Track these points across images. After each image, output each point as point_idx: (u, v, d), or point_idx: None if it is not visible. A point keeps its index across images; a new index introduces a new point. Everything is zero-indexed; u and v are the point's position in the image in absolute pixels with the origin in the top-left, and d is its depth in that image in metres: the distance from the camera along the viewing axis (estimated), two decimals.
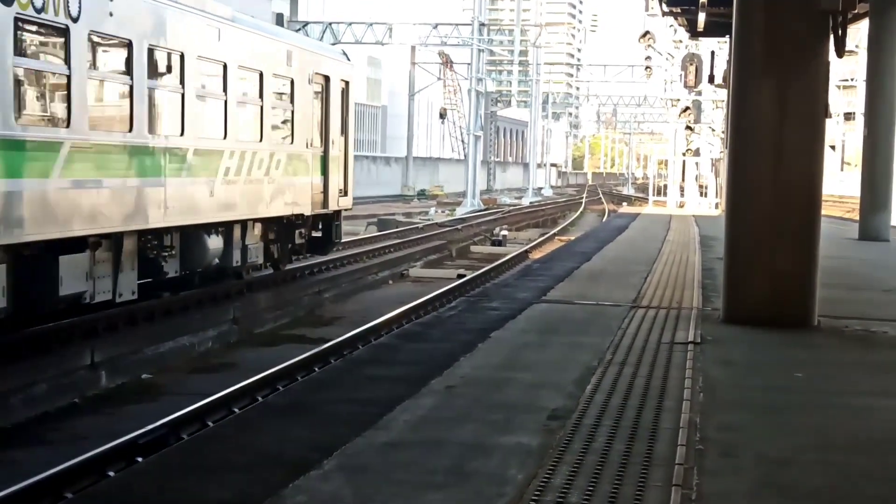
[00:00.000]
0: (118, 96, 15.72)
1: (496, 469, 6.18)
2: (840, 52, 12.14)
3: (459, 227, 43.08)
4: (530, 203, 74.74)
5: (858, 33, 49.56)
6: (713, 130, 51.47)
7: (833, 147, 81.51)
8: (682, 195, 51.83)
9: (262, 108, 20.31)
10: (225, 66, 18.85)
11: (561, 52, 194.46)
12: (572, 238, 34.04)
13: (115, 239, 15.62)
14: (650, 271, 18.03)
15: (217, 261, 19.48)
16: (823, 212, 12.73)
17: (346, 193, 24.99)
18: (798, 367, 9.74)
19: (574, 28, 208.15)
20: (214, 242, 19.03)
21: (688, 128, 51.78)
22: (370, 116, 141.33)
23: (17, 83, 13.02)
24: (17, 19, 12.70)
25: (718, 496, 5.86)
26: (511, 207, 65.87)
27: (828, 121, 12.25)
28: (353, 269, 27.66)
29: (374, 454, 6.48)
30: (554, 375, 8.88)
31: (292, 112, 21.73)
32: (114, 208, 15.27)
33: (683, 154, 52.64)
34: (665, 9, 34.82)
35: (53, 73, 13.90)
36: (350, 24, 63.79)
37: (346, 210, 25.79)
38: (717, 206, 47.18)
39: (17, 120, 12.83)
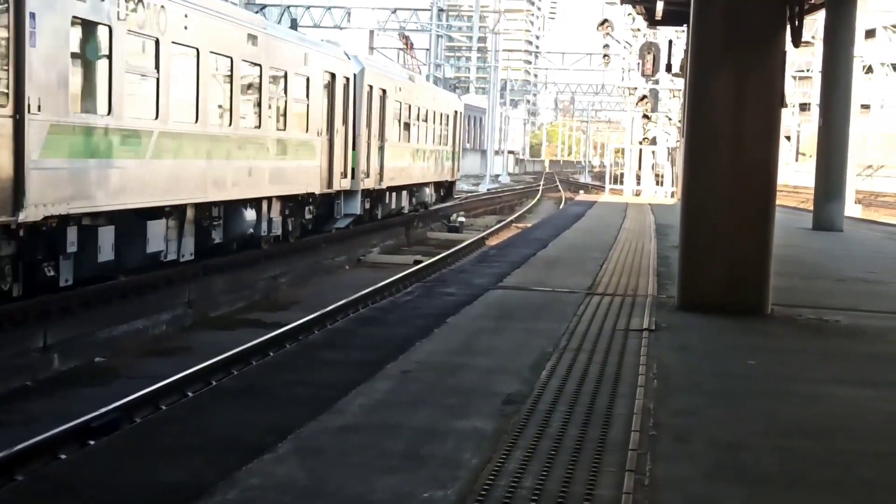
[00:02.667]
0: (410, 128, 36.22)
1: (451, 453, 6.18)
2: (797, 42, 12.22)
3: (416, 212, 42.99)
4: (487, 190, 74.72)
5: (815, 24, 49.90)
6: (670, 119, 51.68)
7: (788, 137, 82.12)
8: (638, 184, 52.03)
9: (442, 130, 42.03)
10: (434, 112, 40.26)
11: (519, 39, 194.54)
12: (529, 225, 34.12)
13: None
14: (606, 258, 18.09)
15: (426, 199, 39.83)
16: (778, 202, 12.81)
17: (459, 170, 47.02)
18: (751, 354, 9.80)
19: (533, 15, 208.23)
20: (427, 192, 40.14)
21: (645, 116, 51.98)
22: None
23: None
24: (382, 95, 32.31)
25: (671, 481, 5.89)
26: (468, 194, 65.77)
27: (783, 111, 12.33)
28: (309, 254, 27.55)
29: (329, 438, 6.46)
30: (510, 361, 8.89)
31: (446, 131, 43.26)
32: (415, 174, 36.88)
33: (640, 143, 52.83)
34: None
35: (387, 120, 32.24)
36: (308, 7, 63.51)
37: (457, 179, 47.52)
38: (672, 194, 47.41)
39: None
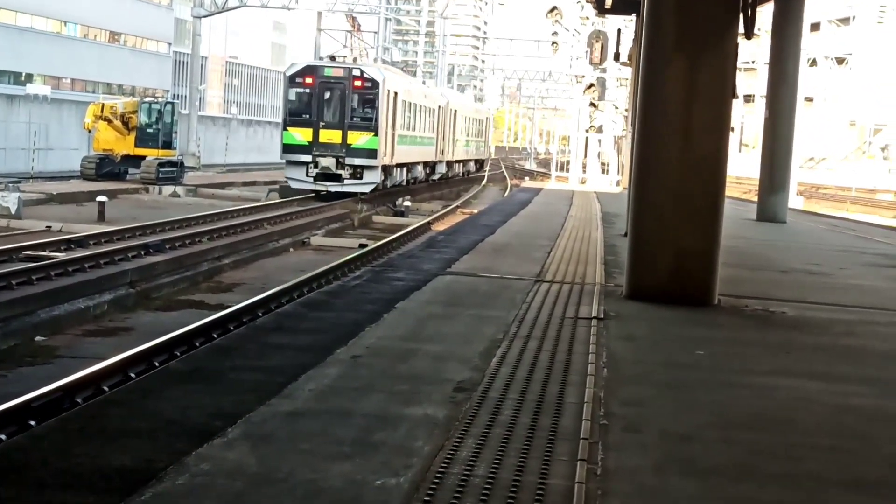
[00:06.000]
0: (467, 128, 65.21)
1: (403, 440, 6.13)
2: (749, 33, 12.28)
3: (362, 196, 42.86)
4: None
5: (761, 17, 50.25)
6: (616, 108, 51.86)
7: (732, 128, 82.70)
8: (584, 171, 52.22)
9: (480, 128, 71.44)
10: (476, 119, 69.52)
11: (468, 25, 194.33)
12: (475, 211, 34.11)
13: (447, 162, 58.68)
14: (553, 246, 18.11)
15: (471, 168, 68.53)
16: None
17: (489, 153, 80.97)
18: (700, 344, 9.84)
19: (482, 0, 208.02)
20: (472, 165, 68.94)
21: (592, 104, 52.12)
22: (273, 82, 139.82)
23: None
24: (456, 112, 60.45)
25: (623, 471, 5.88)
26: (413, 178, 65.70)
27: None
28: (253, 236, 27.39)
29: (279, 423, 6.39)
30: (460, 347, 8.85)
31: (483, 128, 72.95)
32: (468, 154, 66.78)
33: (587, 131, 53.00)
34: None
35: (450, 124, 58.31)
36: None
37: (486, 160, 77.84)
38: (618, 183, 47.61)
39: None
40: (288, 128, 40.16)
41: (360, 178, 40.06)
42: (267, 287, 18.94)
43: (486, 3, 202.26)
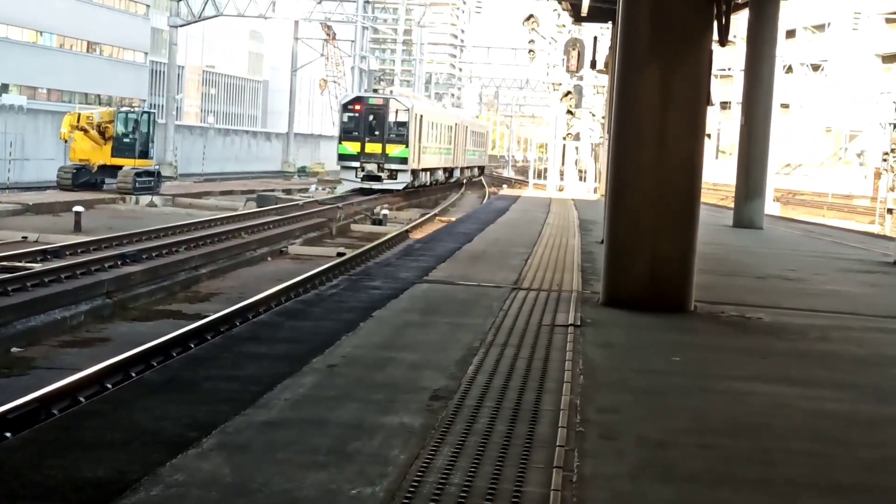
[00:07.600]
0: (474, 141, 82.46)
1: (379, 449, 6.12)
2: (723, 40, 12.29)
3: (340, 205, 42.87)
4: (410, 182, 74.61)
5: (736, 24, 50.45)
6: (594, 115, 51.99)
7: (709, 135, 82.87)
8: (561, 179, 52.30)
9: (481, 140, 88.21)
10: (478, 133, 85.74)
11: (445, 33, 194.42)
12: (453, 219, 34.11)
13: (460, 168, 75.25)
14: (531, 254, 18.12)
15: (475, 173, 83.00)
16: None
17: (487, 161, 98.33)
18: (676, 351, 9.85)
19: (458, 9, 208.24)
20: (476, 170, 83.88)
21: (569, 112, 52.23)
22: (251, 91, 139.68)
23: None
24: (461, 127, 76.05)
25: (599, 478, 5.88)
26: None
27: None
28: (230, 245, 27.33)
29: (255, 433, 6.36)
30: (436, 356, 8.84)
31: (483, 140, 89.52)
32: (472, 161, 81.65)
33: (564, 138, 53.10)
34: None
35: (462, 137, 74.72)
36: None
37: (486, 166, 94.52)
38: (595, 190, 47.70)
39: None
40: (342, 142, 53.76)
41: (395, 178, 53.21)
42: (244, 296, 18.89)
43: (463, 12, 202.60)
